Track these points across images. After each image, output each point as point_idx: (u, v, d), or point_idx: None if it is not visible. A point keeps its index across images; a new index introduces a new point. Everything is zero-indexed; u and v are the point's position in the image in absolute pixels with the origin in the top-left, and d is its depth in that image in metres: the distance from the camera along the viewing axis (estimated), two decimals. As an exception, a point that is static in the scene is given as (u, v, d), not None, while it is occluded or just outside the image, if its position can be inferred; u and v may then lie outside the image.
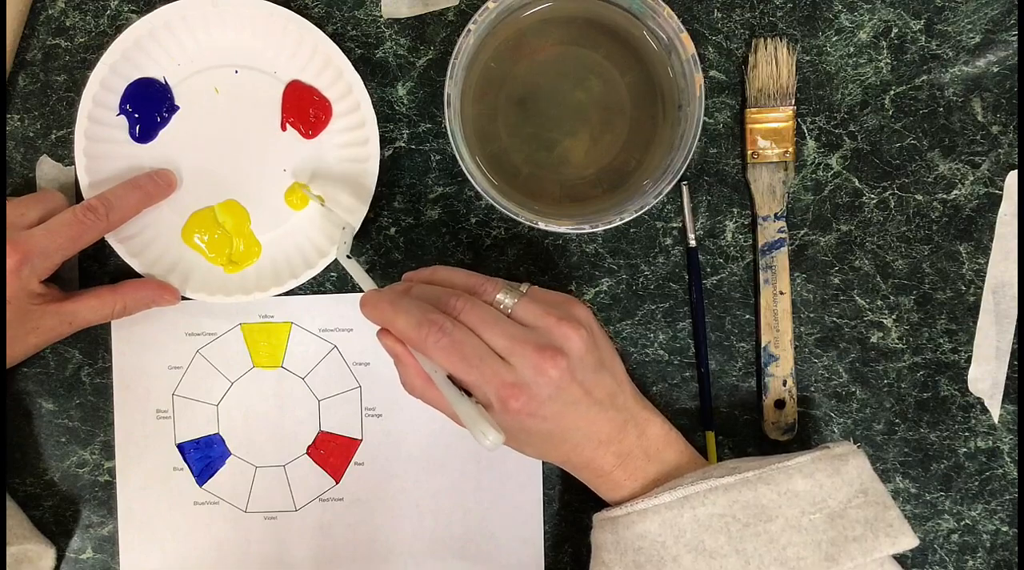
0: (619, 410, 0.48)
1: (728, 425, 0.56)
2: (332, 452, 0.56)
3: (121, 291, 0.53)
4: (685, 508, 0.45)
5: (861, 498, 0.46)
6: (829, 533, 0.45)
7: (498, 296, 0.47)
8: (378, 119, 0.54)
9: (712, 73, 0.55)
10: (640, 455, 0.48)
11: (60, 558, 0.56)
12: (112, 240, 0.53)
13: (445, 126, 0.50)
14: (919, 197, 0.55)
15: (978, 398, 0.55)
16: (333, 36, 0.54)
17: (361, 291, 0.50)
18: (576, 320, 0.46)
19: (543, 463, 0.56)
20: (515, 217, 0.49)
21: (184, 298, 0.55)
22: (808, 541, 0.44)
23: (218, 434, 0.56)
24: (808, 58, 0.55)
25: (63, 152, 0.56)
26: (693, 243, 0.55)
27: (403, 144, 0.56)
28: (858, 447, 0.48)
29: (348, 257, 0.51)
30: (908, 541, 0.45)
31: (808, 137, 0.55)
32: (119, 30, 0.53)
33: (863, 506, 0.45)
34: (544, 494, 0.56)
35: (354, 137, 0.54)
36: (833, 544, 0.44)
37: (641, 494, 0.47)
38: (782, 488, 0.45)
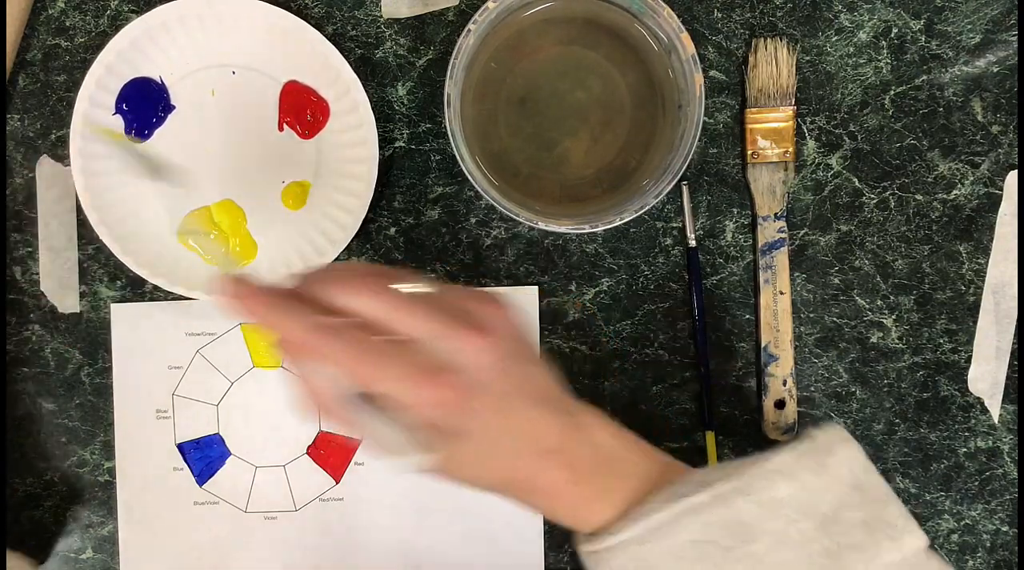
0: (560, 412, 0.40)
1: (728, 425, 0.56)
2: (332, 452, 0.56)
3: None
4: (654, 541, 0.38)
5: (856, 496, 0.39)
6: (823, 542, 0.38)
7: (403, 288, 0.39)
8: (378, 119, 0.54)
9: (712, 73, 0.55)
10: (597, 465, 0.40)
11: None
12: (108, 239, 0.53)
13: (445, 126, 0.50)
14: (919, 197, 0.55)
15: (978, 398, 0.55)
16: (333, 36, 0.54)
17: None
18: (502, 304, 0.40)
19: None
20: (515, 217, 0.49)
21: (182, 297, 0.55)
22: (801, 557, 0.38)
23: (218, 434, 0.56)
24: (808, 58, 0.55)
25: (63, 152, 0.56)
26: (693, 243, 0.55)
27: (403, 144, 0.56)
28: (843, 429, 0.42)
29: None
30: (915, 541, 0.39)
31: (808, 137, 0.55)
32: (119, 30, 0.53)
33: (859, 506, 0.39)
34: (544, 494, 0.56)
35: (352, 137, 0.54)
36: (829, 556, 0.38)
37: (614, 520, 0.40)
38: (763, 497, 0.39)
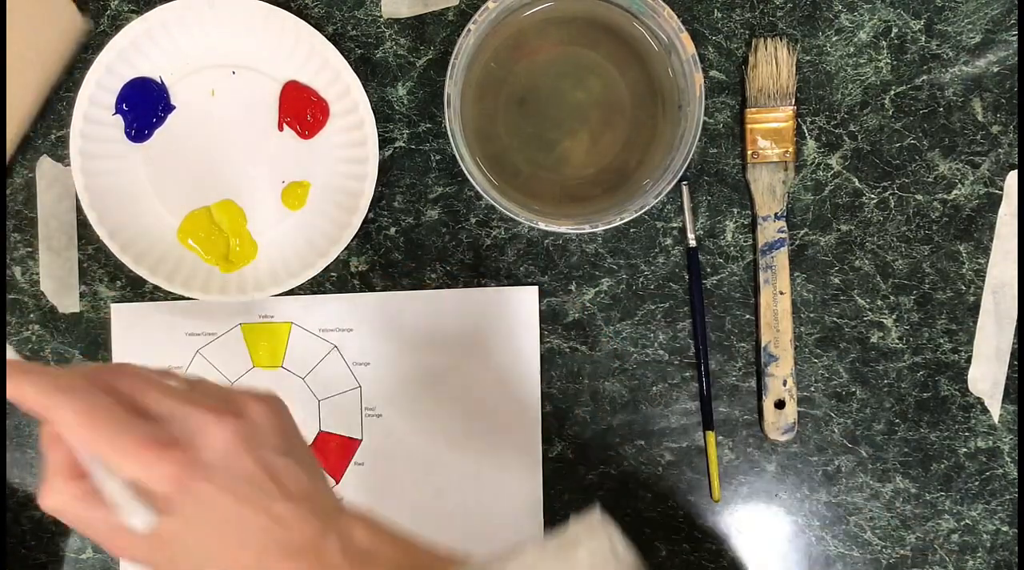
0: (317, 513, 0.37)
1: (728, 425, 0.56)
2: (332, 452, 0.56)
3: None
4: None
5: None
6: None
7: (171, 383, 0.38)
8: (378, 119, 0.54)
9: (712, 73, 0.55)
10: (351, 564, 0.37)
11: None
12: (107, 239, 0.53)
13: (445, 126, 0.50)
14: (919, 197, 0.55)
15: (978, 398, 0.55)
16: (333, 36, 0.54)
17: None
18: (264, 397, 0.39)
19: (542, 463, 0.56)
20: (515, 217, 0.49)
21: (182, 297, 0.55)
22: None
23: (218, 434, 0.56)
24: (808, 58, 0.55)
25: (63, 152, 0.56)
26: (693, 243, 0.55)
27: (403, 144, 0.56)
28: (598, 514, 0.39)
29: None
30: None
31: (808, 137, 0.55)
32: (119, 30, 0.53)
33: None
34: (544, 494, 0.56)
35: (352, 137, 0.54)
36: None
37: None
38: None
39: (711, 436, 0.55)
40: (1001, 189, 0.55)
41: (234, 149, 0.55)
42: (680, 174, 0.49)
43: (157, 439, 0.35)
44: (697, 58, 0.49)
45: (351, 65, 0.53)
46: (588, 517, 0.39)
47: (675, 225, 0.56)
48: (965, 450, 0.55)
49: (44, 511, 0.37)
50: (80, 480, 0.36)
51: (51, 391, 0.35)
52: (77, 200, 0.54)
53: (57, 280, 0.56)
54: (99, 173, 0.54)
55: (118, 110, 0.54)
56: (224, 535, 0.36)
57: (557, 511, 0.56)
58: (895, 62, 0.55)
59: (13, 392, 0.35)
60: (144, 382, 0.37)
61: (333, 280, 0.56)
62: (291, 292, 0.56)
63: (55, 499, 0.36)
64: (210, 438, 0.36)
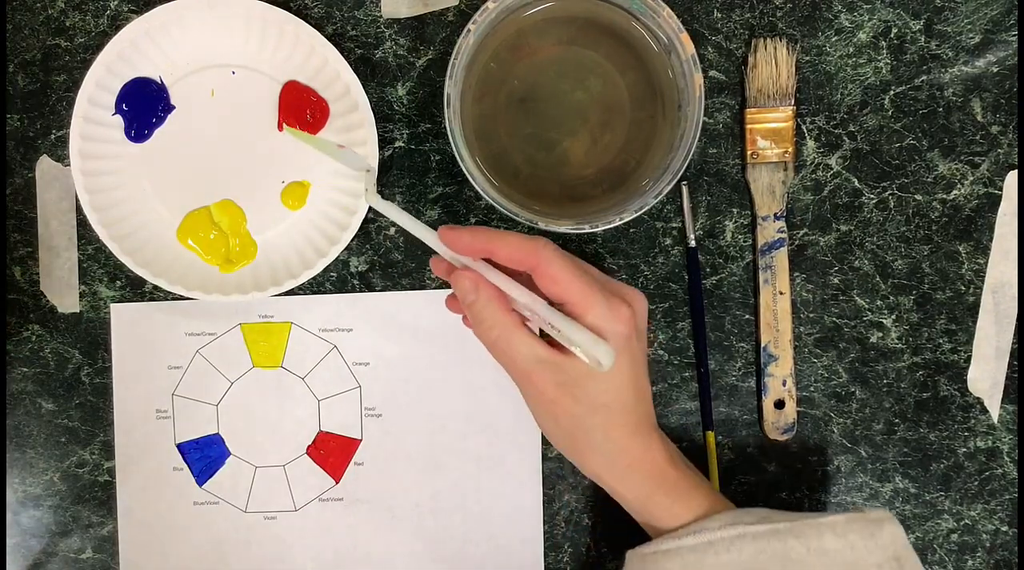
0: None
1: (728, 425, 0.56)
2: (332, 452, 0.56)
3: None
4: (709, 553, 0.43)
5: (894, 564, 0.43)
6: None
7: None
8: (378, 119, 0.54)
9: (712, 73, 0.55)
10: (677, 469, 0.46)
11: None
12: (107, 239, 0.53)
13: (445, 126, 0.50)
14: (919, 197, 0.55)
15: (978, 398, 0.55)
16: (332, 36, 0.54)
17: (399, 231, 0.48)
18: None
19: (542, 463, 0.56)
20: (515, 217, 0.49)
21: (182, 297, 0.55)
22: None
23: (218, 434, 0.56)
24: (808, 58, 0.55)
25: (63, 152, 0.56)
26: (693, 243, 0.55)
27: (403, 144, 0.56)
28: (893, 514, 0.45)
29: (379, 197, 0.49)
30: None
31: (808, 137, 0.55)
32: (119, 30, 0.53)
33: None
34: (544, 494, 0.56)
35: (352, 138, 0.54)
36: None
37: (674, 528, 0.45)
38: (812, 544, 0.43)
39: (711, 436, 0.55)
40: (1000, 189, 0.55)
41: (234, 149, 0.55)
42: (680, 174, 0.49)
43: (618, 299, 0.43)
44: (697, 58, 0.49)
45: (351, 65, 0.53)
46: (881, 509, 0.45)
47: (675, 225, 0.56)
48: (964, 450, 0.56)
49: (483, 342, 0.44)
50: (512, 313, 0.44)
51: (544, 245, 0.43)
52: (77, 200, 0.54)
53: (57, 280, 0.56)
54: (99, 173, 0.54)
55: (118, 110, 0.54)
56: (628, 390, 0.44)
57: (557, 511, 0.56)
58: (895, 62, 0.55)
59: (502, 243, 0.43)
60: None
61: (333, 280, 0.56)
62: (291, 292, 0.56)
63: (496, 330, 0.44)
64: (642, 309, 0.46)
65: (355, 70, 0.53)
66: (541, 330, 0.45)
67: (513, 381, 0.46)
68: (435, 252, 0.46)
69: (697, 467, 0.49)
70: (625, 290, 0.46)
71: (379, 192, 0.55)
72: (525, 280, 0.45)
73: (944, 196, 0.55)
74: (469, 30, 0.49)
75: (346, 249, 0.55)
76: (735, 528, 0.43)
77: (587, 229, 0.49)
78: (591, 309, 0.43)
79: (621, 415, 0.45)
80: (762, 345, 0.55)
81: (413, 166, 0.56)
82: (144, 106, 0.54)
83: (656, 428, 0.47)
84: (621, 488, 0.46)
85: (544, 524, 0.56)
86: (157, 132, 0.55)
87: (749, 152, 0.54)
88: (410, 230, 0.47)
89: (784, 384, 0.55)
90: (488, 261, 0.45)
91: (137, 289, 0.56)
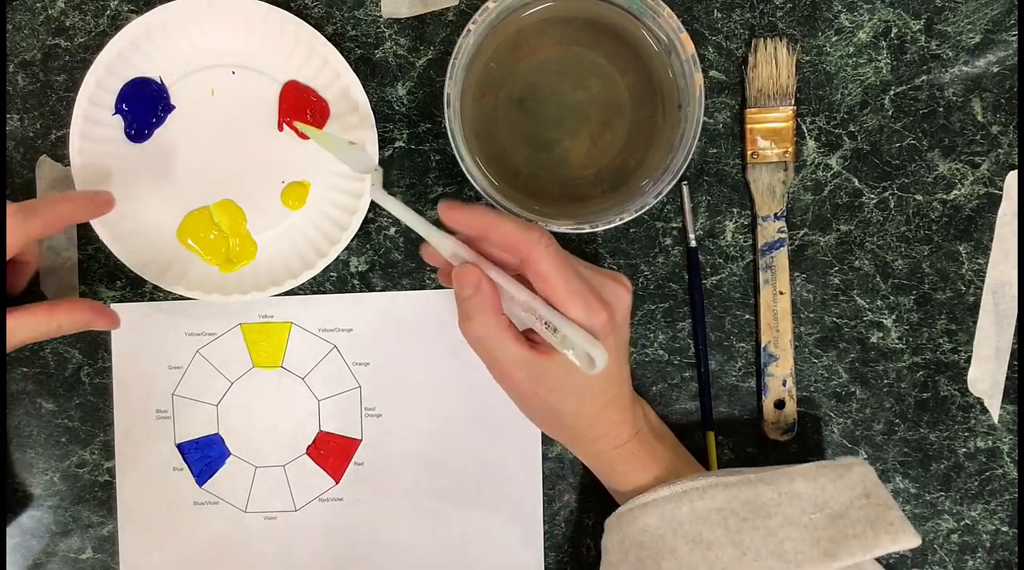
0: (632, 388, 0.50)
1: (728, 425, 0.56)
2: (332, 452, 0.56)
3: (55, 310, 0.49)
4: (684, 501, 0.46)
5: (863, 501, 0.46)
6: (829, 531, 0.44)
7: None
8: (378, 119, 0.54)
9: (712, 73, 0.55)
10: (652, 435, 0.49)
11: None
12: (107, 239, 0.53)
13: (445, 126, 0.50)
14: (919, 197, 0.55)
15: (978, 398, 0.55)
16: (333, 36, 0.54)
17: (403, 231, 0.50)
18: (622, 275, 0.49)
19: (542, 463, 0.56)
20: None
21: (182, 297, 0.55)
22: (807, 537, 0.44)
23: (218, 434, 0.56)
24: (808, 58, 0.55)
25: (63, 152, 0.56)
26: (693, 243, 0.55)
27: (403, 144, 0.56)
28: (864, 459, 0.47)
29: (384, 192, 0.48)
30: (909, 539, 0.45)
31: (808, 137, 0.55)
32: (119, 30, 0.53)
33: (865, 507, 0.45)
34: (544, 494, 0.56)
35: (352, 138, 0.54)
36: (832, 541, 0.44)
37: (650, 485, 0.48)
38: (783, 489, 0.45)
39: (711, 436, 0.55)
40: (1001, 189, 0.55)
41: (234, 149, 0.55)
42: (680, 174, 0.49)
43: (599, 295, 0.44)
44: (697, 58, 0.49)
45: (351, 65, 0.53)
46: (849, 457, 0.49)
47: (675, 225, 0.56)
48: (965, 450, 0.55)
49: (466, 337, 0.45)
50: (502, 316, 0.45)
51: (538, 239, 0.43)
52: (77, 200, 0.54)
53: (57, 280, 0.56)
54: (99, 173, 0.54)
55: (118, 110, 0.54)
56: (599, 380, 0.46)
57: (557, 511, 0.56)
58: (895, 62, 0.55)
59: (498, 228, 0.44)
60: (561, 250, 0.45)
61: (333, 280, 0.56)
62: (291, 292, 0.56)
63: (483, 330, 0.45)
64: (622, 302, 0.46)
65: (355, 70, 0.53)
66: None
67: (488, 370, 0.47)
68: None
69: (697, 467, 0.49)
70: (610, 286, 0.46)
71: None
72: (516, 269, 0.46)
73: (944, 196, 0.55)
74: (469, 30, 0.49)
75: (346, 249, 0.55)
76: (709, 478, 0.46)
77: (587, 229, 0.49)
78: (570, 312, 0.44)
79: (591, 400, 0.47)
80: (762, 345, 0.55)
81: (413, 166, 0.56)
82: (144, 106, 0.54)
83: (631, 404, 0.49)
84: (585, 457, 0.50)
85: (544, 524, 0.56)
86: (157, 132, 0.55)
87: (749, 152, 0.54)
88: (419, 231, 0.47)
89: (784, 384, 0.55)
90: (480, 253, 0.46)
91: (137, 289, 0.56)
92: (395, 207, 0.48)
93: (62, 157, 0.56)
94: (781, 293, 0.55)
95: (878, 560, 0.47)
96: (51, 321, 0.49)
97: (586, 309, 0.44)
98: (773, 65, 0.54)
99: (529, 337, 0.46)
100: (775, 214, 0.54)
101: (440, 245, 0.46)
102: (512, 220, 0.44)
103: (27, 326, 0.48)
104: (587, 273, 0.46)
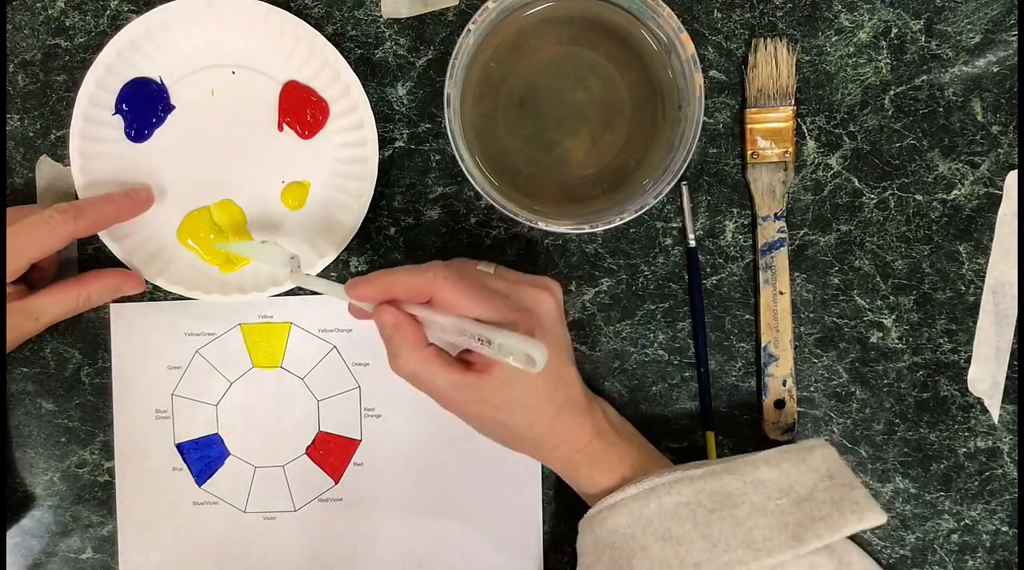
0: (584, 387, 0.50)
1: (728, 425, 0.56)
2: (331, 452, 0.56)
3: (84, 281, 0.52)
4: (651, 498, 0.46)
5: (827, 482, 0.46)
6: (796, 515, 0.45)
7: (479, 266, 0.48)
8: (378, 119, 0.54)
9: (712, 73, 0.55)
10: (614, 435, 0.49)
11: None
12: (107, 240, 0.53)
13: (445, 126, 0.50)
14: (919, 197, 0.55)
15: (978, 398, 0.55)
16: (333, 36, 0.54)
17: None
18: (553, 281, 0.49)
19: (542, 463, 0.56)
20: (515, 217, 0.49)
21: (182, 297, 0.55)
22: (775, 523, 0.45)
23: (217, 434, 0.56)
24: (808, 58, 0.55)
25: (63, 152, 0.56)
26: (693, 243, 0.55)
27: (403, 144, 0.56)
28: (825, 440, 0.48)
29: (304, 274, 0.50)
30: (875, 517, 0.45)
31: (808, 137, 0.55)
32: (119, 30, 0.53)
33: (829, 489, 0.46)
34: (544, 494, 0.56)
35: (352, 138, 0.54)
36: (800, 525, 0.45)
37: (618, 485, 0.48)
38: (748, 477, 0.46)
39: (711, 436, 0.55)
40: (1001, 189, 0.55)
41: (234, 149, 0.55)
42: (680, 174, 0.49)
43: (518, 305, 0.46)
44: (697, 58, 0.49)
45: (351, 65, 0.53)
46: (812, 439, 0.49)
47: (675, 225, 0.56)
48: (965, 450, 0.55)
49: (399, 375, 0.46)
50: (426, 348, 0.45)
51: (433, 277, 0.44)
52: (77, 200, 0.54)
53: (57, 280, 0.56)
54: (99, 173, 0.54)
55: (118, 110, 0.54)
56: (543, 387, 0.46)
57: (557, 512, 0.56)
58: (895, 62, 0.55)
59: (397, 284, 0.45)
60: (475, 270, 0.47)
61: (333, 280, 0.56)
62: (291, 292, 0.56)
63: (411, 364, 0.45)
64: (546, 307, 0.47)
65: (355, 70, 0.53)
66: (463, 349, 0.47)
67: (436, 403, 0.48)
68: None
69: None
70: (530, 293, 0.47)
71: (379, 191, 0.55)
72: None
73: (944, 196, 0.55)
74: (469, 30, 0.49)
75: (346, 249, 0.55)
76: (674, 472, 0.46)
77: (587, 229, 0.49)
78: (494, 318, 0.45)
79: (542, 408, 0.47)
80: (762, 345, 0.55)
81: (413, 166, 0.56)
82: (144, 106, 0.54)
83: (587, 405, 0.49)
84: (551, 465, 0.50)
85: (544, 524, 0.56)
86: (157, 132, 0.55)
87: (749, 152, 0.54)
88: (342, 298, 0.48)
89: (784, 384, 0.55)
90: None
91: (137, 289, 0.56)
92: (317, 283, 0.49)
93: (62, 157, 0.56)
94: (781, 293, 0.55)
95: (852, 537, 0.47)
96: (81, 292, 0.51)
97: (502, 320, 0.44)
98: (773, 65, 0.54)
99: (465, 360, 0.47)
100: (775, 214, 0.54)
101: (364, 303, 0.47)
102: (406, 271, 0.45)
103: (59, 301, 0.51)
104: (502, 285, 0.47)
